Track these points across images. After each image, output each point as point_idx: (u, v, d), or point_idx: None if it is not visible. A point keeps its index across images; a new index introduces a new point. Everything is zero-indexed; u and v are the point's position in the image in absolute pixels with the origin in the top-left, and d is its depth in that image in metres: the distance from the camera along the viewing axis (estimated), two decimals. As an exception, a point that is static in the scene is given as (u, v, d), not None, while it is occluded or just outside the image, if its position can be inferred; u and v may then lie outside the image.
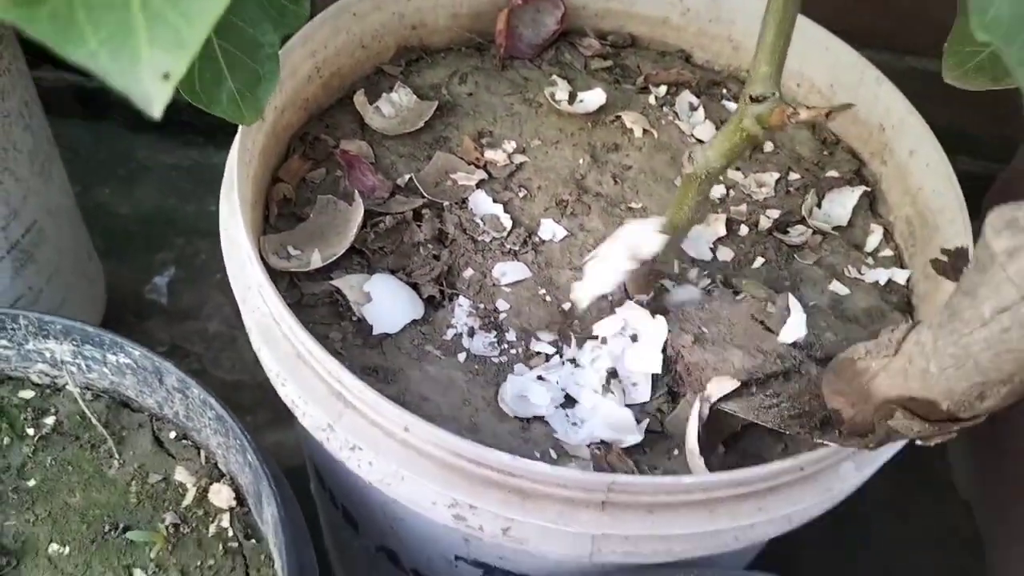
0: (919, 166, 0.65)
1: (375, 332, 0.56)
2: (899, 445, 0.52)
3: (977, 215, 0.45)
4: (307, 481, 0.78)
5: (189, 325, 1.08)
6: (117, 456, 0.56)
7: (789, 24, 0.49)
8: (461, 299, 0.58)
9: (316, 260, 0.58)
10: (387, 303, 0.57)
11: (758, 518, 0.48)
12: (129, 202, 1.17)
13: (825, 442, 0.49)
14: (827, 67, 0.70)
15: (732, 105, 0.73)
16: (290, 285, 0.58)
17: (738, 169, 0.69)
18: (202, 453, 0.56)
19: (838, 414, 0.49)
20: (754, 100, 0.50)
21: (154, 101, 0.23)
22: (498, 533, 0.48)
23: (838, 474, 0.51)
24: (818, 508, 0.51)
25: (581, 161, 0.67)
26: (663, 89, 0.73)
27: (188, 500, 0.54)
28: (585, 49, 0.75)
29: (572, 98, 0.71)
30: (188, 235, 1.14)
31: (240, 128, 0.56)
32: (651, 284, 0.59)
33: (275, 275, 0.57)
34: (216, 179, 0.59)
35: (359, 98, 0.68)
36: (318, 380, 0.50)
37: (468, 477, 0.47)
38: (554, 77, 0.72)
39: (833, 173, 0.69)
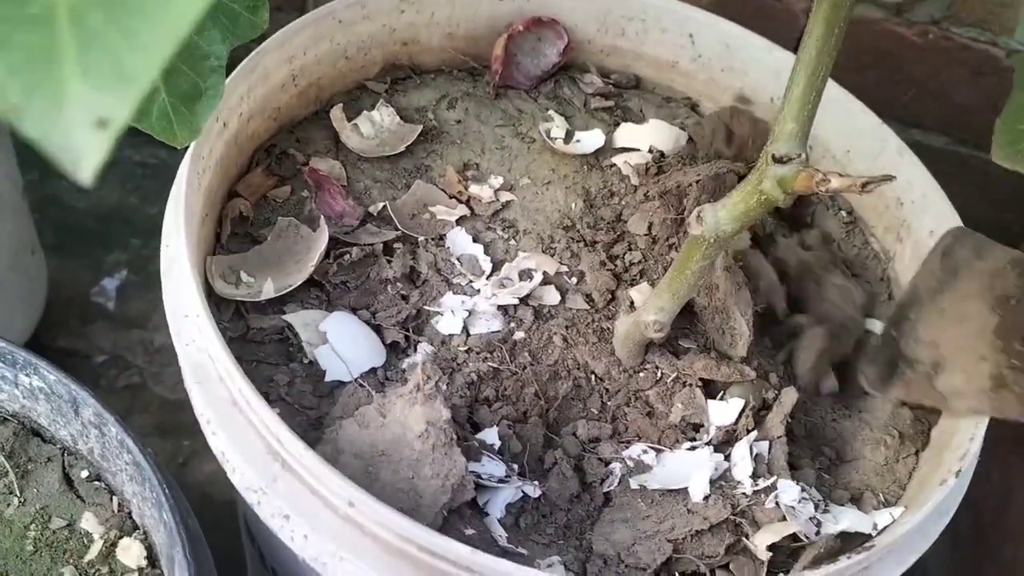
0: (939, 247, 0.59)
1: (327, 378, 0.50)
2: None
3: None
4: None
5: (134, 334, 1.01)
6: (18, 493, 0.49)
7: (822, 77, 0.44)
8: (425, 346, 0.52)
9: (269, 290, 0.51)
10: (344, 345, 0.50)
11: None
12: (87, 197, 1.10)
13: None
14: (845, 131, 0.65)
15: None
16: (236, 316, 0.51)
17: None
18: (115, 500, 0.49)
19: None
20: (776, 160, 0.44)
21: (83, 158, 0.15)
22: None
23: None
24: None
25: (573, 206, 0.61)
26: (667, 137, 0.67)
27: (92, 554, 0.47)
28: (586, 86, 0.70)
29: (568, 137, 0.65)
30: (146, 238, 1.06)
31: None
32: None
33: (220, 303, 0.51)
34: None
35: (336, 113, 0.61)
36: (254, 434, 0.44)
37: (419, 568, 0.41)
38: (551, 112, 0.67)
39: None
